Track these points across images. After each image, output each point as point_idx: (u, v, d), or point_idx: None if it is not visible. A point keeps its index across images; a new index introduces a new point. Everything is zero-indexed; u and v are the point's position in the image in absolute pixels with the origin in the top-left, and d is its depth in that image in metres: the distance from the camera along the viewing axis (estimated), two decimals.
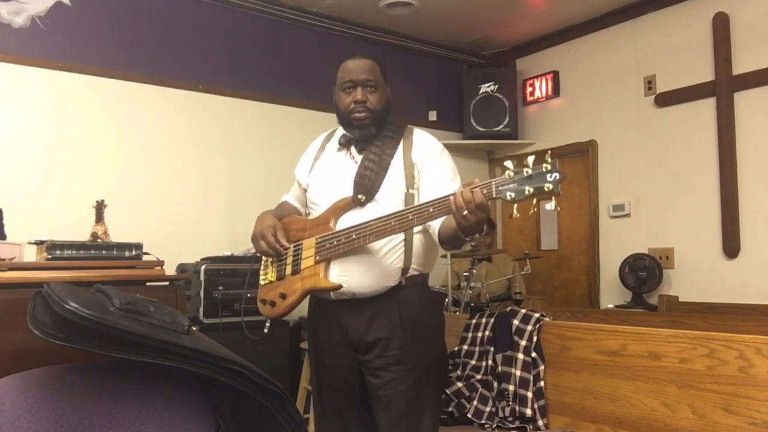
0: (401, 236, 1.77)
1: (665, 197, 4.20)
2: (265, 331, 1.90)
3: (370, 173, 1.80)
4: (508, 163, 1.47)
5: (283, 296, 1.81)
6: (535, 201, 1.45)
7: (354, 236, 1.68)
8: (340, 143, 1.93)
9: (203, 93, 3.92)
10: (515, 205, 1.47)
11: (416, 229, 1.78)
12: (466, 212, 1.49)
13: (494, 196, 1.47)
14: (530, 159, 1.45)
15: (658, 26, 4.27)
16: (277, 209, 2.04)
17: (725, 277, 3.87)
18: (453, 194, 1.52)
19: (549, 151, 1.49)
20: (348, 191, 1.80)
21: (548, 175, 1.41)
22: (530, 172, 1.43)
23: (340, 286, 1.73)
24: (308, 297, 1.95)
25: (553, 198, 1.43)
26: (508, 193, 1.45)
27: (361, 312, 1.78)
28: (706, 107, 4.00)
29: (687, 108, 4.10)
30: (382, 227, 1.64)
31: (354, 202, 1.78)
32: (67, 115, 3.46)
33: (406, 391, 1.75)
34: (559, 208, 1.44)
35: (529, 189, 1.43)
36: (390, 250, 1.76)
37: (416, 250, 1.79)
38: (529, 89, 5.09)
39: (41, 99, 3.40)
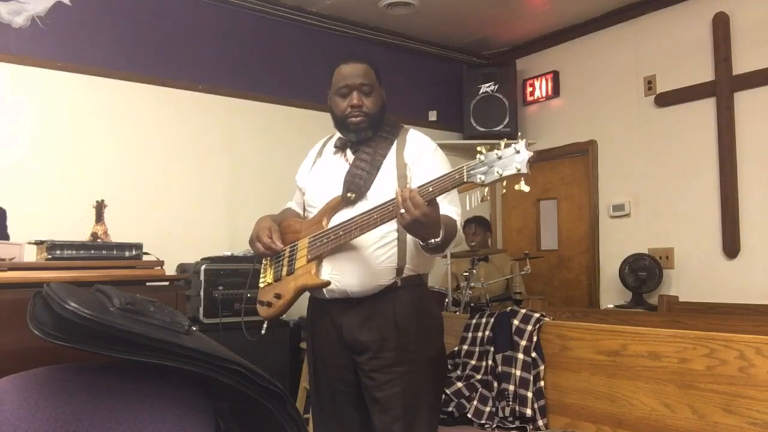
0: (393, 235, 1.77)
1: (665, 197, 4.20)
2: (263, 332, 1.91)
3: (361, 172, 1.80)
4: (481, 148, 1.47)
5: (278, 296, 1.82)
6: (505, 183, 1.45)
7: (341, 232, 1.70)
8: (336, 146, 1.94)
9: (203, 93, 3.93)
10: (486, 189, 1.48)
11: None
12: (402, 210, 1.50)
13: (465, 180, 1.47)
14: (502, 142, 1.46)
15: (658, 26, 4.27)
16: (279, 214, 2.05)
17: (725, 277, 3.87)
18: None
19: (519, 133, 1.49)
20: (341, 191, 1.81)
21: (517, 156, 1.41)
22: (500, 154, 1.44)
23: (329, 283, 1.74)
24: (307, 299, 1.96)
25: (522, 179, 1.43)
26: (479, 176, 1.45)
27: (356, 312, 1.78)
28: (706, 107, 4.00)
29: (687, 108, 4.10)
30: (366, 221, 1.65)
31: (344, 201, 1.79)
32: (67, 115, 3.46)
33: (401, 393, 1.74)
34: (527, 188, 1.43)
35: (499, 171, 1.42)
36: (381, 248, 1.76)
37: (410, 249, 1.79)
38: (529, 89, 5.09)
39: (41, 99, 3.40)
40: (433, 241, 1.60)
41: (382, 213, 1.63)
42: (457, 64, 5.14)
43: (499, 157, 1.43)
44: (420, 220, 1.50)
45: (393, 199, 1.59)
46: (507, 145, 1.44)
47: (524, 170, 1.40)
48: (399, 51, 4.85)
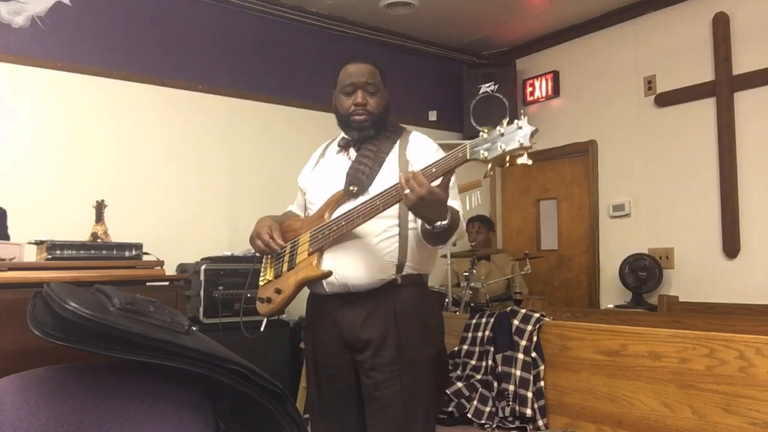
0: (395, 230, 1.78)
1: (665, 197, 4.20)
2: (261, 329, 1.91)
3: (364, 167, 1.82)
4: (483, 128, 1.49)
5: (279, 291, 1.82)
6: (508, 158, 1.45)
7: (343, 222, 1.71)
8: (339, 145, 1.95)
9: (203, 93, 3.93)
10: (489, 165, 1.48)
11: (410, 225, 1.79)
12: (407, 191, 1.51)
13: (468, 157, 1.48)
14: (505, 120, 1.47)
15: (658, 26, 4.27)
16: (281, 216, 2.06)
17: (725, 277, 3.87)
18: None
19: (523, 110, 1.50)
20: (343, 187, 1.82)
21: (520, 131, 1.42)
22: (502, 131, 1.45)
23: (330, 273, 1.74)
24: (307, 298, 1.96)
25: (525, 153, 1.43)
26: (482, 152, 1.46)
27: (357, 309, 1.79)
28: (706, 107, 4.00)
29: (687, 108, 4.10)
30: (368, 208, 1.66)
31: (346, 194, 1.80)
32: (67, 115, 3.46)
33: (400, 392, 1.75)
34: (530, 161, 1.44)
35: (502, 146, 1.43)
36: (383, 241, 1.77)
37: (411, 246, 1.80)
38: (529, 89, 5.09)
39: (41, 99, 3.40)
40: (439, 224, 1.59)
41: (384, 198, 1.63)
42: (457, 64, 5.14)
43: (502, 134, 1.44)
44: (426, 199, 1.50)
45: (396, 184, 1.60)
46: (509, 123, 1.45)
47: (527, 143, 1.41)
48: (399, 51, 4.85)
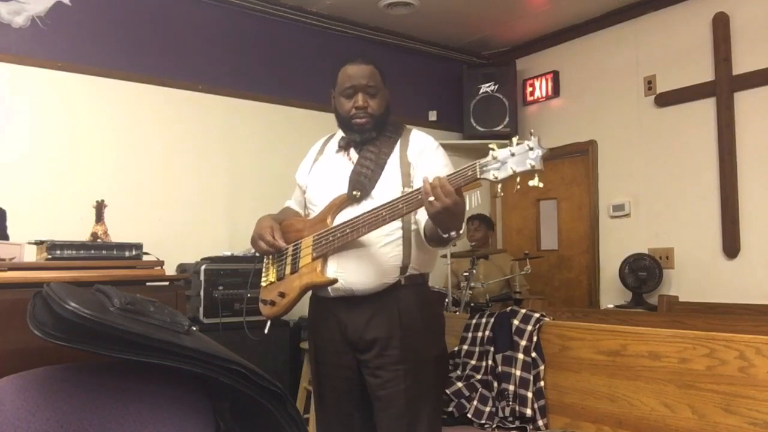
0: (399, 233, 1.78)
1: (665, 197, 4.20)
2: (266, 331, 1.91)
3: (366, 170, 1.81)
4: (492, 145, 1.48)
5: (282, 295, 1.82)
6: (519, 179, 1.45)
7: (348, 230, 1.70)
8: (339, 145, 1.94)
9: (203, 93, 3.93)
10: (499, 186, 1.47)
11: (413, 227, 1.79)
12: (432, 198, 1.49)
13: (479, 177, 1.47)
14: (514, 139, 1.46)
15: (658, 26, 4.27)
16: (279, 213, 2.05)
17: (725, 277, 3.87)
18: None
19: (532, 130, 1.49)
20: (345, 190, 1.81)
21: (531, 153, 1.41)
22: (513, 151, 1.43)
23: (336, 281, 1.74)
24: (309, 297, 1.96)
25: (536, 175, 1.42)
26: (493, 173, 1.45)
27: (361, 310, 1.79)
28: (706, 107, 4.00)
29: (687, 108, 4.10)
30: (374, 218, 1.66)
31: (349, 199, 1.79)
32: (67, 115, 3.46)
33: (405, 391, 1.75)
34: (541, 184, 1.42)
35: (512, 167, 1.42)
36: (387, 245, 1.77)
37: (414, 248, 1.80)
38: (529, 89, 5.09)
39: (41, 99, 3.39)
40: (454, 233, 1.58)
41: (391, 210, 1.63)
42: (457, 64, 5.14)
43: (512, 154, 1.43)
44: (450, 209, 1.49)
45: (402, 196, 1.60)
46: (519, 142, 1.44)
47: (538, 166, 1.40)
48: (399, 51, 4.85)
